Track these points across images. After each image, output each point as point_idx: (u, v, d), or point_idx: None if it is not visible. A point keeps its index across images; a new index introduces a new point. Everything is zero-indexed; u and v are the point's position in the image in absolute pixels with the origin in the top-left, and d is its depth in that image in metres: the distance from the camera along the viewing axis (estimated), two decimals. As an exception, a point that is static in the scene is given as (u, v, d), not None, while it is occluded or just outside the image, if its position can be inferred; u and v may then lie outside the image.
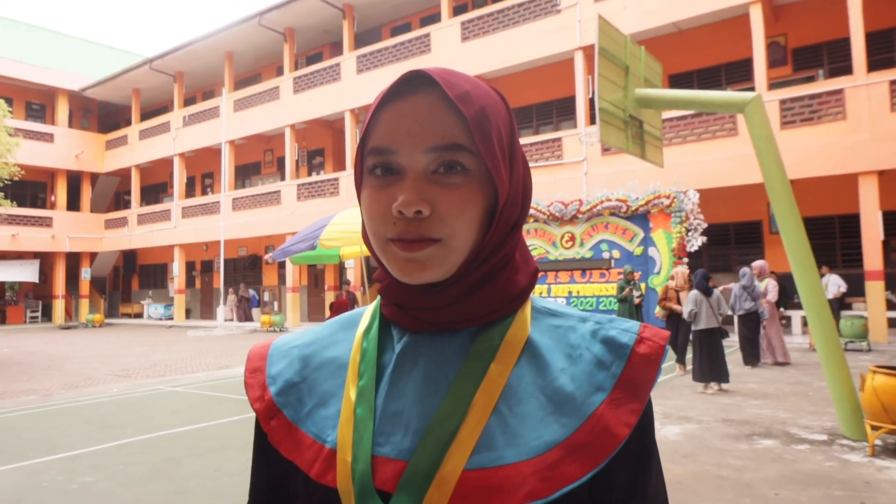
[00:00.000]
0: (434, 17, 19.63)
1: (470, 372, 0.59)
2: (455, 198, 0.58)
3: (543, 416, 0.58)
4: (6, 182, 15.03)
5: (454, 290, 0.61)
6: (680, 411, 6.65)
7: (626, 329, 0.62)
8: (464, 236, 0.58)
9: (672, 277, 9.60)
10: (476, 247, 0.60)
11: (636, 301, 10.69)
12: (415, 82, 0.59)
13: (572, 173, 14.93)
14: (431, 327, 0.62)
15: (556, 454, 0.56)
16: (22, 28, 30.12)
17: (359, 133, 0.63)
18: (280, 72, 23.58)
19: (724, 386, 7.78)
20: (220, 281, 23.21)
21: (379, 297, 0.68)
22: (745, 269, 9.47)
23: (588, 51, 14.53)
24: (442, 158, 0.58)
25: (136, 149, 27.27)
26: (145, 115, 29.16)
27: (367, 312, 0.70)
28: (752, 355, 9.45)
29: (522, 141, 16.02)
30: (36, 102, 29.14)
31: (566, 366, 0.60)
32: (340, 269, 21.29)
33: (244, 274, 25.58)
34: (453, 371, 0.60)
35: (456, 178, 0.58)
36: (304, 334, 0.73)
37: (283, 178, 23.07)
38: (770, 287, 10.05)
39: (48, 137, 27.07)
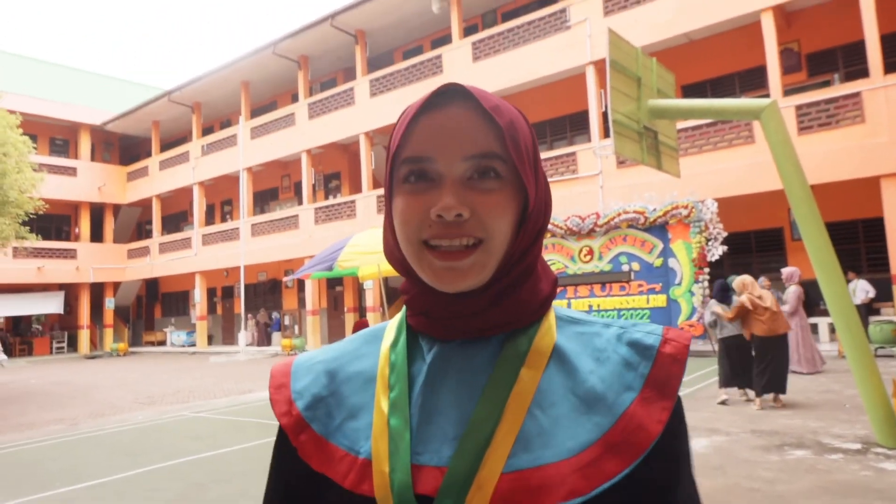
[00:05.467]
0: (445, 39, 19.83)
1: (501, 377, 0.61)
2: (492, 202, 0.60)
3: (577, 417, 0.59)
4: (32, 216, 15.33)
5: (484, 298, 0.62)
6: (707, 423, 6.52)
7: (650, 332, 0.64)
8: (501, 239, 0.61)
9: (744, 288, 7.51)
10: (507, 254, 0.62)
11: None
12: (448, 95, 0.62)
13: (588, 187, 14.88)
14: (461, 335, 0.64)
15: (593, 452, 0.57)
16: (44, 66, 30.99)
17: (390, 145, 0.66)
18: (295, 98, 23.92)
19: (749, 395, 7.61)
20: (241, 306, 23.39)
21: (404, 309, 0.70)
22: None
23: (599, 65, 14.54)
24: (478, 166, 0.61)
25: (157, 179, 27.76)
26: (165, 146, 29.70)
27: (390, 326, 0.71)
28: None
29: (537, 157, 16.00)
30: (59, 138, 29.82)
31: (594, 368, 0.62)
32: (359, 290, 21.34)
33: (265, 298, 25.75)
34: (485, 378, 0.62)
35: (491, 184, 0.61)
36: (327, 350, 0.73)
37: (300, 203, 23.28)
38: (790, 294, 9.75)
39: (71, 171, 27.67)
